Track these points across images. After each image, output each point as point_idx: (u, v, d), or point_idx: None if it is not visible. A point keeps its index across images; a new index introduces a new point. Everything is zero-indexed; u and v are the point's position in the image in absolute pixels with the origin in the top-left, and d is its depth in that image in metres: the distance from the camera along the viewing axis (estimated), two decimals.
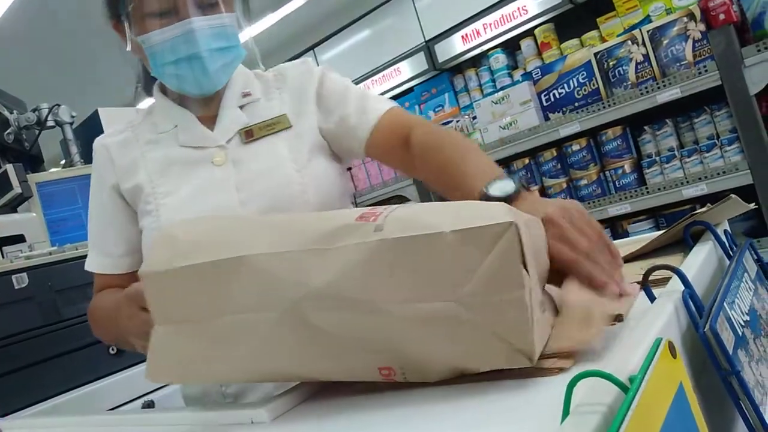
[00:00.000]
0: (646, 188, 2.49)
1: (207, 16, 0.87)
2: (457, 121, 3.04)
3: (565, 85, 2.60)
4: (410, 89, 4.57)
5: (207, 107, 0.95)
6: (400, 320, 0.49)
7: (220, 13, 0.88)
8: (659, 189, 2.45)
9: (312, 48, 5.29)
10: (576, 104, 2.58)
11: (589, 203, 2.64)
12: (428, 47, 4.43)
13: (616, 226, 2.70)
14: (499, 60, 3.98)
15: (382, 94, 4.73)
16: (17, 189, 1.67)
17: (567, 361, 0.47)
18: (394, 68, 4.66)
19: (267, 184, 0.88)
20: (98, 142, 0.98)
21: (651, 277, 0.59)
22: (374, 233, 0.50)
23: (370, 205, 0.80)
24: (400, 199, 3.28)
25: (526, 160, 2.82)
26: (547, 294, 0.60)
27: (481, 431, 0.41)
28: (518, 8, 3.92)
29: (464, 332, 0.47)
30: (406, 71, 4.60)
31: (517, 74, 3.80)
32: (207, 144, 0.93)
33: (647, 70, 2.40)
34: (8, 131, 1.81)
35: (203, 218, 0.63)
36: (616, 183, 2.58)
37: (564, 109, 2.62)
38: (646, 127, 2.54)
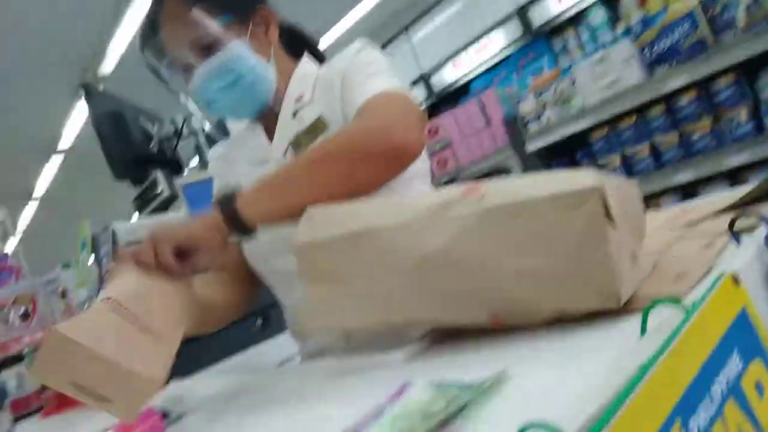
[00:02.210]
0: (766, 136, 2.35)
1: (203, 64, 0.90)
2: (556, 87, 3.01)
3: (669, 38, 2.49)
4: (507, 57, 4.54)
5: (272, 116, 0.99)
6: (505, 275, 0.59)
7: (219, 50, 0.90)
8: None
9: (406, 28, 5.38)
10: (681, 56, 2.47)
11: (704, 155, 2.53)
12: (523, 12, 4.37)
13: (736, 178, 2.57)
14: (599, 16, 3.85)
15: (479, 65, 4.72)
16: (166, 192, 1.94)
17: (650, 300, 0.55)
18: (488, 39, 4.64)
19: None
20: (210, 155, 1.16)
21: (744, 226, 0.65)
22: (478, 203, 0.61)
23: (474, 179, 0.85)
24: (503, 172, 3.32)
25: (633, 119, 2.75)
26: (643, 251, 0.67)
27: (575, 352, 0.51)
28: None
29: (559, 283, 0.56)
30: (500, 40, 4.56)
31: (620, 28, 3.66)
32: (268, 158, 0.98)
33: (759, 12, 2.25)
34: (152, 144, 2.09)
35: (334, 205, 0.75)
36: (733, 133, 2.45)
37: (669, 62, 2.52)
38: (762, 72, 2.38)
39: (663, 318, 0.44)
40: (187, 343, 1.59)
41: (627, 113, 2.74)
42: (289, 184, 0.77)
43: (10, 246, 3.61)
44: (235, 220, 0.76)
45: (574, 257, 0.56)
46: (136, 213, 2.30)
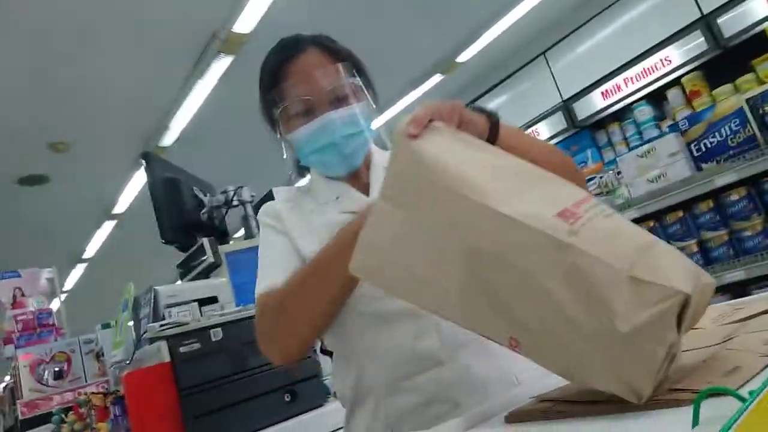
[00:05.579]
0: None
1: (338, 110, 1.03)
2: (601, 177, 3.01)
3: (717, 134, 2.49)
4: None
5: (357, 179, 1.12)
6: (547, 301, 0.56)
7: (349, 105, 1.03)
8: None
9: None
10: (730, 152, 2.46)
11: (755, 255, 2.44)
12: (566, 106, 4.46)
13: None
14: (645, 112, 3.88)
15: None
16: (210, 258, 1.99)
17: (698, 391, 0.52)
18: (532, 130, 4.73)
19: None
20: (268, 205, 1.17)
21: None
22: (567, 236, 0.56)
23: None
24: None
25: (680, 213, 2.70)
26: (694, 345, 0.64)
27: None
28: (661, 60, 3.84)
29: (592, 343, 0.54)
30: (544, 131, 4.65)
31: (665, 125, 3.68)
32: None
33: None
34: (203, 211, 2.17)
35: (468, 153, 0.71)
36: None
37: (718, 158, 2.50)
38: None
39: (716, 410, 0.42)
40: (215, 413, 1.56)
41: (674, 207, 2.70)
42: (528, 140, 0.97)
43: (55, 304, 3.71)
44: (494, 128, 0.86)
45: (621, 333, 0.53)
46: (179, 278, 2.35)
